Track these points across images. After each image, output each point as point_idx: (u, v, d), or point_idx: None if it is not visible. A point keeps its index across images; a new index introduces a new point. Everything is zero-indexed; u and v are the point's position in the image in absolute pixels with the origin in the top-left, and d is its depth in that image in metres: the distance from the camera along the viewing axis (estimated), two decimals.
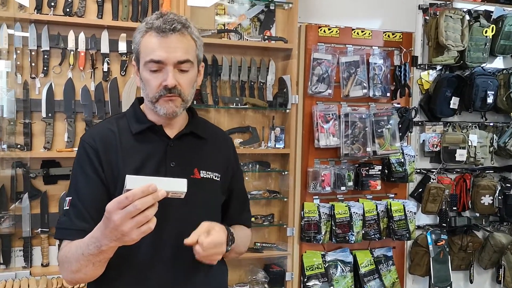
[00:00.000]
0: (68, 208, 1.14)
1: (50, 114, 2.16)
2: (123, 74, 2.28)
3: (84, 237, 1.03)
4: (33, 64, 2.13)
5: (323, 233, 2.58)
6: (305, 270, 2.59)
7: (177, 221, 1.16)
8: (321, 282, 2.59)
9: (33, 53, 2.13)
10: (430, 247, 2.75)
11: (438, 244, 2.76)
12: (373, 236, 2.66)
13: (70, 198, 1.15)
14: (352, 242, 2.59)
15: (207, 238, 1.07)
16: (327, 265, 2.63)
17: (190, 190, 1.13)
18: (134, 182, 0.91)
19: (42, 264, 2.15)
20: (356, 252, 2.70)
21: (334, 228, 2.58)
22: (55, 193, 2.20)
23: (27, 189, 2.11)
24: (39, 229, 2.14)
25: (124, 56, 2.27)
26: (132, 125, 1.21)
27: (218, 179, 1.26)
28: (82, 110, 2.21)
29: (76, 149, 2.10)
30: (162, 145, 1.20)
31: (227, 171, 1.30)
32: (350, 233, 2.59)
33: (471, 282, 2.95)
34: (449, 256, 2.78)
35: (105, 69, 2.24)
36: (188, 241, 1.06)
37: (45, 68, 2.17)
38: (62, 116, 2.20)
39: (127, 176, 0.93)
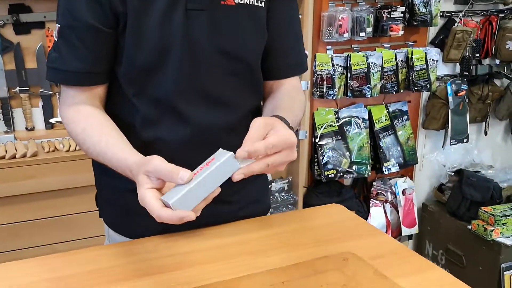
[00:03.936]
0: (57, 40, 0.98)
1: None
2: None
3: (103, 139, 0.93)
4: None
5: (337, 88, 2.55)
6: (317, 128, 2.60)
7: (207, 81, 1.02)
8: (335, 140, 2.63)
9: None
10: (450, 98, 2.82)
11: (458, 94, 2.83)
12: (390, 89, 2.67)
13: (59, 25, 0.98)
14: (369, 96, 2.59)
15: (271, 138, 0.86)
16: (341, 122, 2.65)
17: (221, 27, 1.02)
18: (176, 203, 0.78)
19: (26, 128, 2.04)
20: (371, 108, 2.74)
21: (349, 81, 2.54)
22: (30, 45, 2.03)
23: None
24: (17, 88, 2.00)
25: None
26: None
27: (263, 4, 1.04)
28: None
29: None
30: None
31: None
32: (367, 86, 2.57)
33: (486, 134, 3.08)
34: (468, 108, 2.84)
35: None
36: (240, 154, 0.83)
37: None
38: None
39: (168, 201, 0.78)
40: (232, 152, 0.81)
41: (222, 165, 0.79)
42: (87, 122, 0.95)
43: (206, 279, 0.90)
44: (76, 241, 1.91)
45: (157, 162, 0.79)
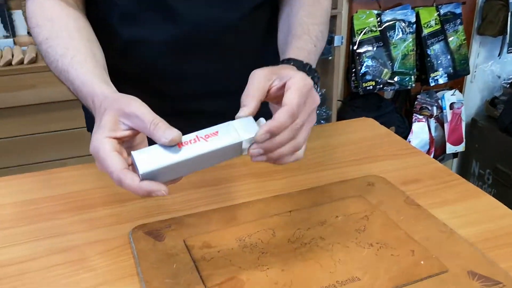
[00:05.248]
0: None
1: None
2: None
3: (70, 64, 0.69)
4: None
5: None
6: (356, 34, 2.37)
7: None
8: (375, 47, 2.41)
9: None
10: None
11: None
12: None
13: None
14: None
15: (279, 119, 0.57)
16: (383, 27, 2.41)
17: None
18: (150, 169, 0.54)
19: (28, 33, 1.89)
20: (419, 10, 2.47)
21: None
22: None
23: None
24: None
25: None
26: None
27: None
28: None
29: None
30: None
31: None
32: None
33: None
34: None
35: None
36: (261, 137, 0.57)
37: None
38: None
39: (133, 153, 0.55)
40: (247, 138, 0.57)
41: (226, 148, 0.57)
42: (53, 29, 0.74)
43: (197, 206, 0.77)
44: (87, 157, 1.82)
45: (138, 105, 0.56)
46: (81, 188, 0.82)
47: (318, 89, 0.69)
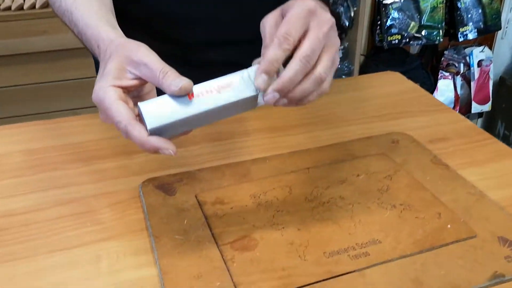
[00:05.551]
0: None
1: None
2: None
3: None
4: None
5: None
6: None
7: None
8: None
9: None
10: None
11: None
12: None
13: None
14: None
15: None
16: None
17: None
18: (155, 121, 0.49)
19: None
20: None
21: None
22: None
23: None
24: None
25: None
26: None
27: None
28: None
29: None
30: None
31: None
32: None
33: None
34: None
35: None
36: (260, 82, 0.52)
37: None
38: None
39: (140, 105, 0.50)
40: (259, 91, 0.52)
41: (240, 101, 0.52)
42: None
43: (210, 160, 0.74)
44: None
45: (146, 52, 0.52)
46: (90, 138, 0.79)
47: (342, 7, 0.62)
